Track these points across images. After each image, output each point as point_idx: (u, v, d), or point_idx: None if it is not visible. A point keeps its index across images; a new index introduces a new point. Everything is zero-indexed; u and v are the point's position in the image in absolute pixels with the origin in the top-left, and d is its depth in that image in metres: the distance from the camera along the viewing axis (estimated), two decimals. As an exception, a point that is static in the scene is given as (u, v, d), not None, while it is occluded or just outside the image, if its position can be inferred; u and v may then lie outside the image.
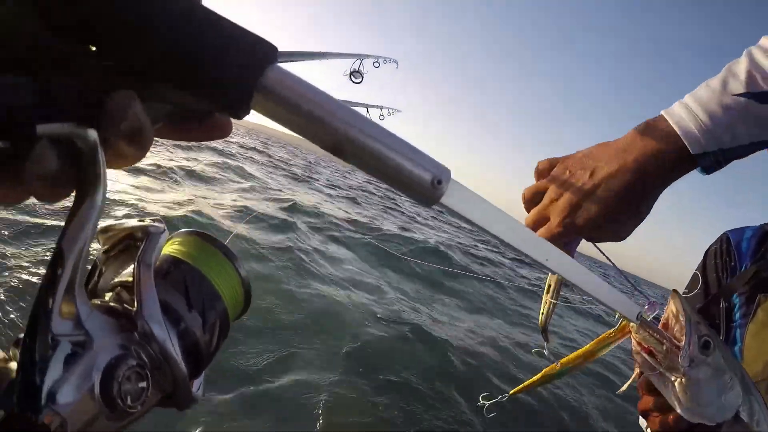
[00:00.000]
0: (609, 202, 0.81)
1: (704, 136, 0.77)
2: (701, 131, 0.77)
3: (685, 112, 0.79)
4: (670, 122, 0.80)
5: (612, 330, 0.96)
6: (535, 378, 1.05)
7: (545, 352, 1.01)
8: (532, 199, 0.91)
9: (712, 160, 0.79)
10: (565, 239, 0.87)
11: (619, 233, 0.86)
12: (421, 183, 0.36)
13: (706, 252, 1.42)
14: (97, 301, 0.39)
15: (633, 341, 0.87)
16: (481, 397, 1.14)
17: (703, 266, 1.40)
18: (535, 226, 0.88)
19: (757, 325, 1.21)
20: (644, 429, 1.22)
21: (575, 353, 0.99)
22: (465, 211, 0.40)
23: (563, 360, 1.00)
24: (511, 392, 1.09)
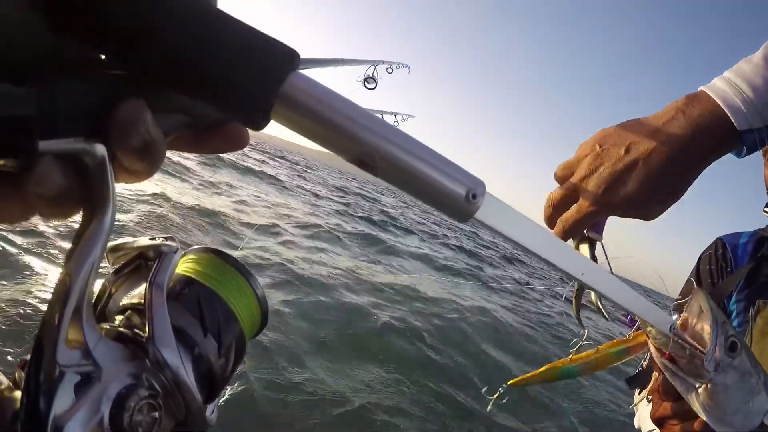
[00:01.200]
0: (648, 178, 0.74)
1: (750, 111, 0.72)
2: (747, 106, 0.72)
3: (729, 87, 0.74)
4: (714, 97, 0.74)
5: (628, 336, 0.92)
6: (537, 371, 0.99)
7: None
8: (565, 177, 0.84)
9: (755, 138, 0.74)
10: (597, 218, 0.81)
11: (654, 212, 0.79)
12: (456, 198, 0.33)
13: (700, 257, 1.39)
14: (106, 326, 0.36)
15: (651, 347, 0.81)
16: (483, 392, 1.09)
17: (697, 272, 1.37)
18: (562, 203, 0.82)
19: (757, 333, 1.18)
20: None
21: (588, 353, 0.95)
22: (501, 226, 0.38)
23: (575, 356, 0.95)
24: (509, 383, 1.02)
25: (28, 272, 4.13)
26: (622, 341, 0.92)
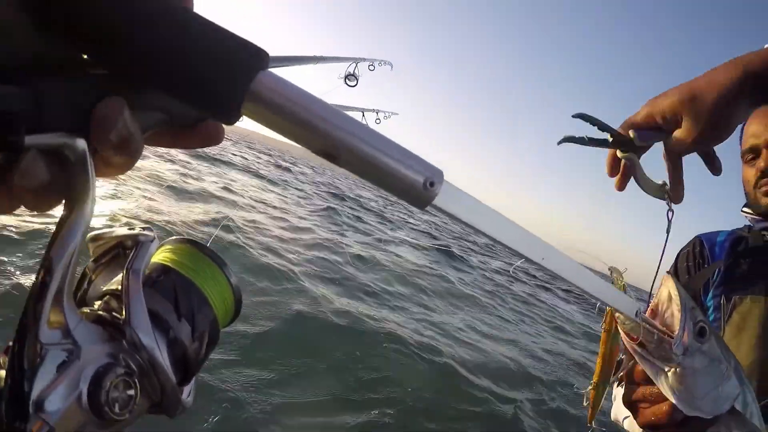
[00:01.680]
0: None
1: None
2: None
3: None
4: None
5: (604, 324, 0.95)
6: (592, 409, 1.04)
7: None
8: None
9: None
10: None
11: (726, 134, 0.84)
12: (414, 186, 0.35)
13: (678, 254, 1.41)
14: (86, 310, 0.38)
15: (621, 333, 0.83)
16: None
17: (675, 268, 1.40)
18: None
19: (732, 328, 1.20)
20: (621, 422, 1.18)
21: (598, 366, 0.99)
22: (458, 212, 0.39)
23: (595, 380, 1.01)
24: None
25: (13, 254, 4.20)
26: (607, 332, 0.96)
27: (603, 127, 0.88)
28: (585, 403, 1.04)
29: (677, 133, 0.84)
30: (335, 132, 0.33)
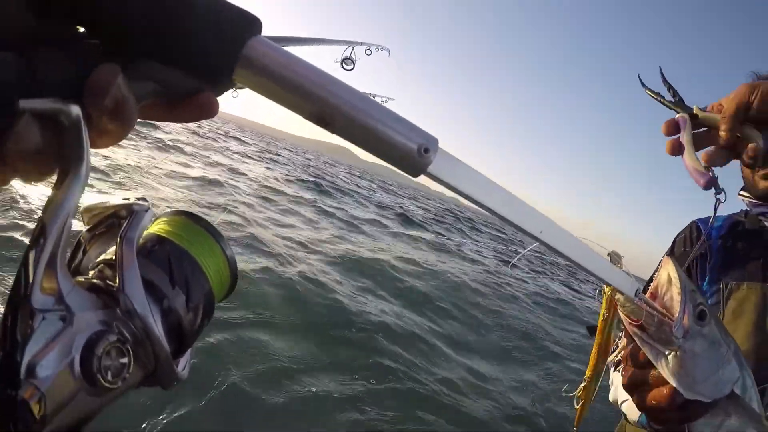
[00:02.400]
0: None
1: None
2: None
3: None
4: None
5: (602, 310, 0.93)
6: (582, 406, 1.03)
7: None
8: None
9: None
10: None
11: None
12: (408, 152, 0.35)
13: (675, 239, 1.40)
14: (80, 278, 0.37)
15: (621, 314, 0.81)
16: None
17: (671, 253, 1.38)
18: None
19: (728, 314, 1.19)
20: (619, 405, 1.17)
21: (592, 358, 0.97)
22: (453, 180, 0.38)
23: (587, 376, 0.99)
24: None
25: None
26: (604, 320, 0.94)
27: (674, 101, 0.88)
28: (576, 405, 1.02)
29: None
30: (328, 97, 0.33)
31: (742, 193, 1.33)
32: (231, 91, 0.40)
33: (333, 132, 0.34)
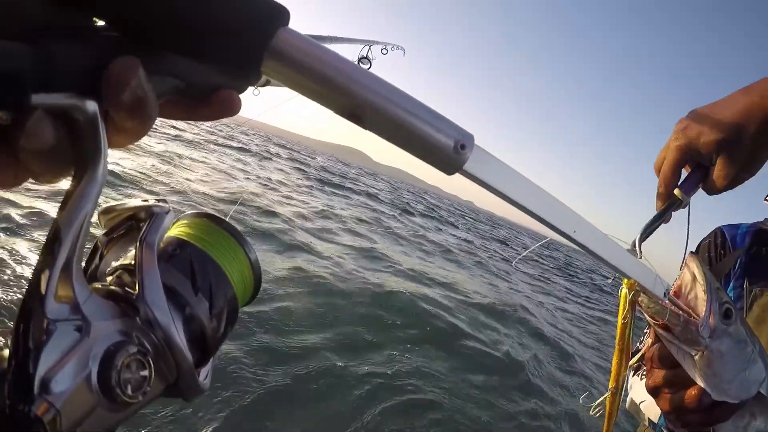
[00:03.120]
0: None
1: None
2: None
3: None
4: None
5: (620, 311, 0.90)
6: (609, 418, 0.96)
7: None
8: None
9: None
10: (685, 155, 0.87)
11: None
12: (444, 149, 0.32)
13: (699, 245, 1.37)
14: (97, 285, 0.35)
15: (646, 316, 0.79)
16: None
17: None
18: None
19: (752, 320, 1.16)
20: (637, 412, 1.13)
21: (615, 365, 0.93)
22: (489, 179, 0.36)
23: (612, 385, 0.94)
24: None
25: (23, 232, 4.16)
26: (623, 320, 0.91)
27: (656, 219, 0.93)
28: (596, 412, 0.97)
29: (715, 175, 0.86)
30: (361, 91, 0.30)
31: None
32: (252, 89, 0.37)
33: (364, 127, 0.32)
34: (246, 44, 0.29)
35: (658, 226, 0.91)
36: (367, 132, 0.33)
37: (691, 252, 0.84)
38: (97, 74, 0.28)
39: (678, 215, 0.91)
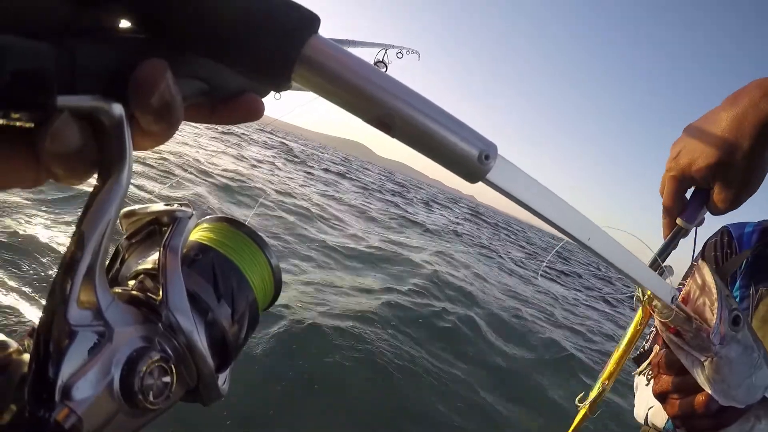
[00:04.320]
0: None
1: None
2: None
3: None
4: None
5: (637, 318, 0.89)
6: (579, 417, 0.97)
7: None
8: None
9: None
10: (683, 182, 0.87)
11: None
12: (469, 158, 0.32)
13: (705, 244, 1.35)
14: (118, 290, 0.34)
15: (657, 321, 0.78)
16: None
17: (702, 258, 1.34)
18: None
19: (758, 320, 1.14)
20: (645, 419, 1.11)
21: (613, 360, 0.93)
22: (512, 188, 0.36)
23: (603, 378, 0.94)
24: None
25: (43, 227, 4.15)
26: (635, 328, 0.90)
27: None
28: (582, 402, 0.96)
29: (714, 198, 0.84)
30: (390, 100, 0.30)
31: None
32: (272, 93, 0.37)
33: (393, 136, 0.32)
34: (278, 51, 0.28)
35: (667, 256, 0.91)
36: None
37: (702, 258, 0.84)
38: (123, 76, 0.27)
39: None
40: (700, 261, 0.82)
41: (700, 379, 0.76)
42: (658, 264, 0.80)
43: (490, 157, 0.33)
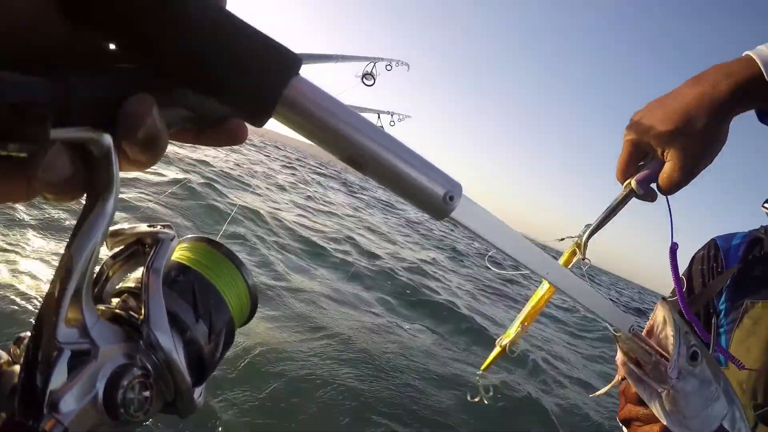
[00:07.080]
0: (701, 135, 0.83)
1: None
2: None
3: (764, 47, 0.82)
4: (750, 53, 0.82)
5: (540, 291, 0.95)
6: (495, 353, 1.02)
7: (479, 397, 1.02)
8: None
9: None
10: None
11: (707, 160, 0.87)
12: (434, 198, 0.36)
13: (693, 257, 1.37)
14: (102, 307, 0.37)
15: (618, 351, 0.83)
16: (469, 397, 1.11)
17: (689, 271, 1.36)
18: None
19: (742, 332, 1.17)
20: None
21: (518, 322, 0.98)
22: (474, 225, 0.40)
23: (507, 336, 0.98)
24: (481, 369, 1.05)
25: (25, 254, 4.14)
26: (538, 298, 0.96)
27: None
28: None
29: (667, 167, 0.87)
30: (363, 141, 0.33)
31: (766, 205, 1.29)
32: None
33: (365, 174, 0.35)
34: (262, 90, 0.30)
35: (614, 215, 0.94)
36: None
37: (662, 298, 0.88)
38: (112, 108, 0.29)
39: (671, 222, 0.93)
40: (660, 302, 0.87)
41: (656, 410, 0.80)
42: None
43: (454, 198, 0.36)
